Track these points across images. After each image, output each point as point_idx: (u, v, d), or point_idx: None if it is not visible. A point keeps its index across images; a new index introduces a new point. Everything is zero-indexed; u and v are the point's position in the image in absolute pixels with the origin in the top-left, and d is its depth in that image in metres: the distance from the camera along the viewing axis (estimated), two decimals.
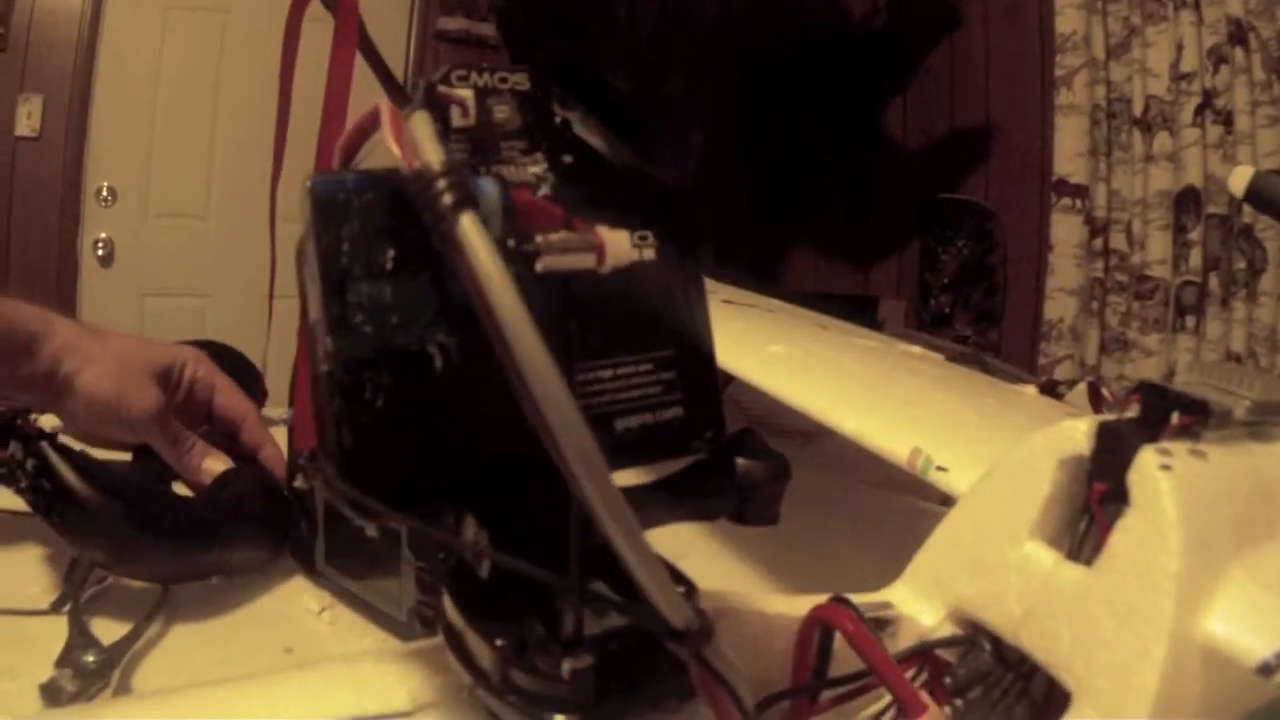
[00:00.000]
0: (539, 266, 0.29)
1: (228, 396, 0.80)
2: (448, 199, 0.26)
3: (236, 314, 3.25)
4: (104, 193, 3.32)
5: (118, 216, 3.36)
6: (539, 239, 0.29)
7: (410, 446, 0.29)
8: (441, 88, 0.32)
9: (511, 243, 0.29)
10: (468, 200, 0.26)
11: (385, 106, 0.29)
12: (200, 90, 3.41)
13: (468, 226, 0.25)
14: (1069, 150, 2.88)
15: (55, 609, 0.67)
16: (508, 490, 0.30)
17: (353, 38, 0.66)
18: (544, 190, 0.33)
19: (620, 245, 0.30)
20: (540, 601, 0.31)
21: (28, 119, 3.21)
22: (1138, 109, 2.74)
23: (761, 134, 2.96)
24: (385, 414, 0.29)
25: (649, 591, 0.26)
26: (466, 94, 0.33)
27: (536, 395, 0.24)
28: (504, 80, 0.34)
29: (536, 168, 0.34)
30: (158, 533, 0.71)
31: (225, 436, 0.80)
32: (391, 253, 0.29)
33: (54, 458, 0.66)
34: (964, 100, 3.30)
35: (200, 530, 0.74)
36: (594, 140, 0.34)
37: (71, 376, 0.72)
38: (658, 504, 0.34)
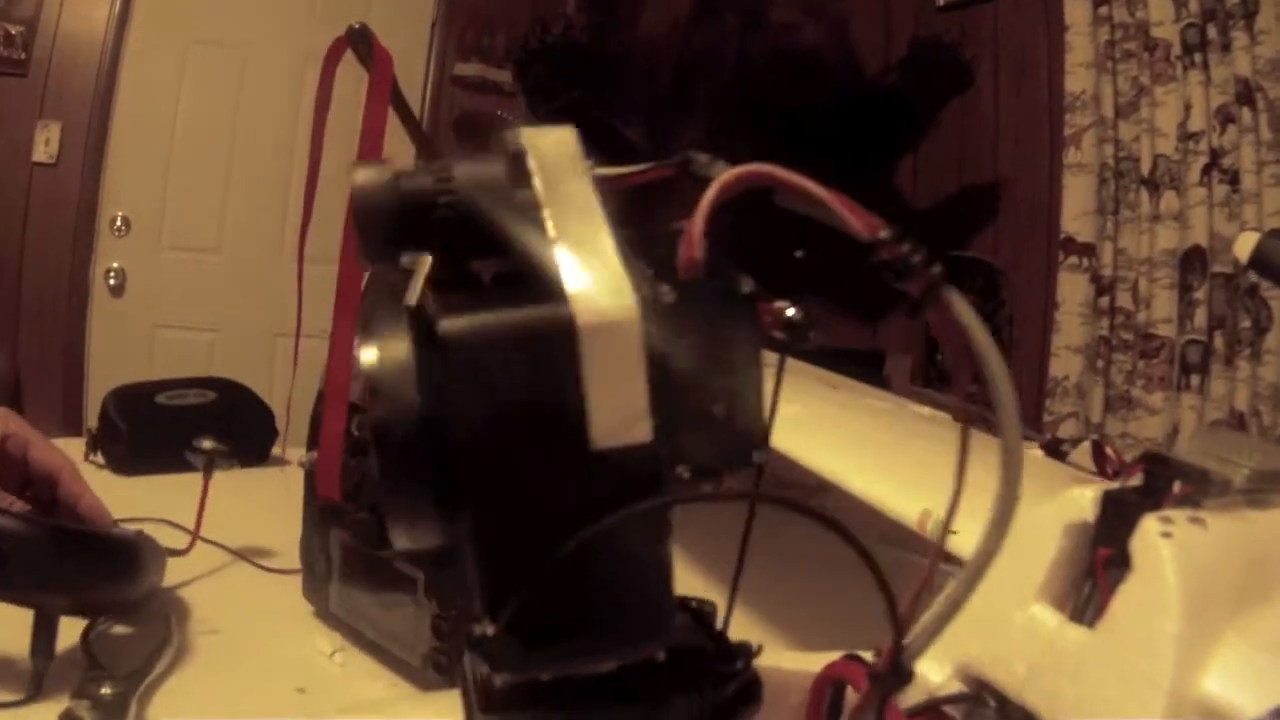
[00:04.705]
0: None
1: (42, 451, 0.79)
2: (936, 269, 0.28)
3: (246, 349, 3.27)
4: (118, 222, 3.34)
5: (131, 247, 3.37)
6: None
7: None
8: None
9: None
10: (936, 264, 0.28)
11: (780, 171, 0.30)
12: (218, 125, 3.43)
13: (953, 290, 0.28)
14: (1076, 209, 2.89)
15: (34, 694, 0.67)
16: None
17: (386, 89, 0.68)
18: None
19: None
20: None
21: (45, 145, 3.23)
22: (1145, 168, 2.76)
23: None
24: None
25: None
26: None
27: (1006, 418, 0.29)
28: None
29: None
30: (105, 566, 0.73)
31: (45, 491, 0.79)
32: None
33: None
34: (973, 158, 3.32)
35: (125, 558, 0.75)
36: None
37: None
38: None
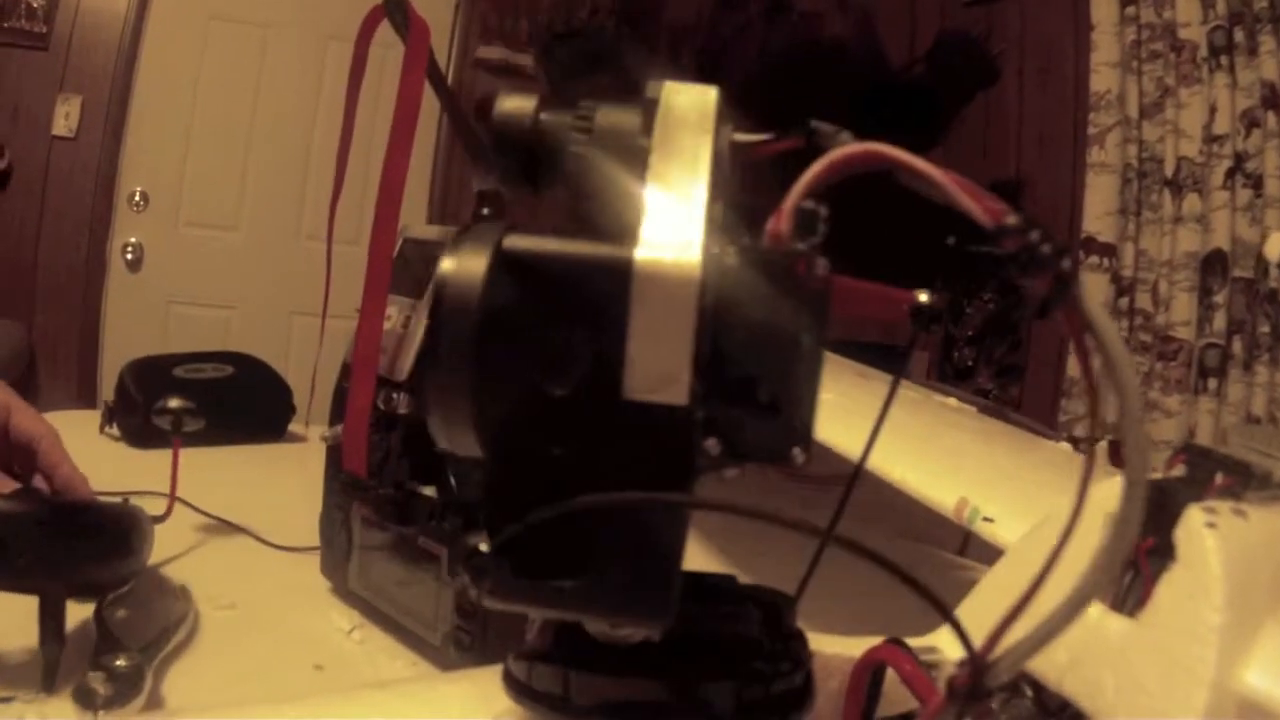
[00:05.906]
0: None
1: (23, 418, 0.77)
2: (1067, 263, 0.26)
3: (262, 326, 3.27)
4: (136, 197, 3.34)
5: (148, 222, 3.38)
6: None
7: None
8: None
9: None
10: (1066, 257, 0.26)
11: (895, 151, 0.29)
12: (238, 102, 3.43)
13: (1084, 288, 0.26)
14: (1098, 208, 2.88)
15: (48, 687, 0.64)
16: None
17: (422, 60, 0.68)
18: None
19: None
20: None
21: (65, 119, 3.23)
22: (1169, 170, 2.74)
23: (793, 179, 2.97)
24: None
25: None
26: None
27: (1130, 417, 0.26)
28: None
29: None
30: (105, 541, 0.71)
31: (25, 460, 0.77)
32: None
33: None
34: (996, 154, 3.31)
35: (126, 530, 0.74)
36: None
37: None
38: None
